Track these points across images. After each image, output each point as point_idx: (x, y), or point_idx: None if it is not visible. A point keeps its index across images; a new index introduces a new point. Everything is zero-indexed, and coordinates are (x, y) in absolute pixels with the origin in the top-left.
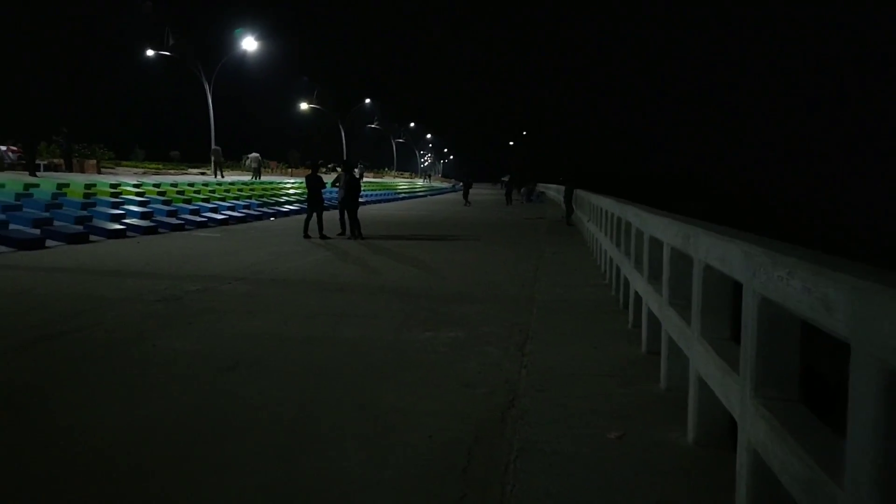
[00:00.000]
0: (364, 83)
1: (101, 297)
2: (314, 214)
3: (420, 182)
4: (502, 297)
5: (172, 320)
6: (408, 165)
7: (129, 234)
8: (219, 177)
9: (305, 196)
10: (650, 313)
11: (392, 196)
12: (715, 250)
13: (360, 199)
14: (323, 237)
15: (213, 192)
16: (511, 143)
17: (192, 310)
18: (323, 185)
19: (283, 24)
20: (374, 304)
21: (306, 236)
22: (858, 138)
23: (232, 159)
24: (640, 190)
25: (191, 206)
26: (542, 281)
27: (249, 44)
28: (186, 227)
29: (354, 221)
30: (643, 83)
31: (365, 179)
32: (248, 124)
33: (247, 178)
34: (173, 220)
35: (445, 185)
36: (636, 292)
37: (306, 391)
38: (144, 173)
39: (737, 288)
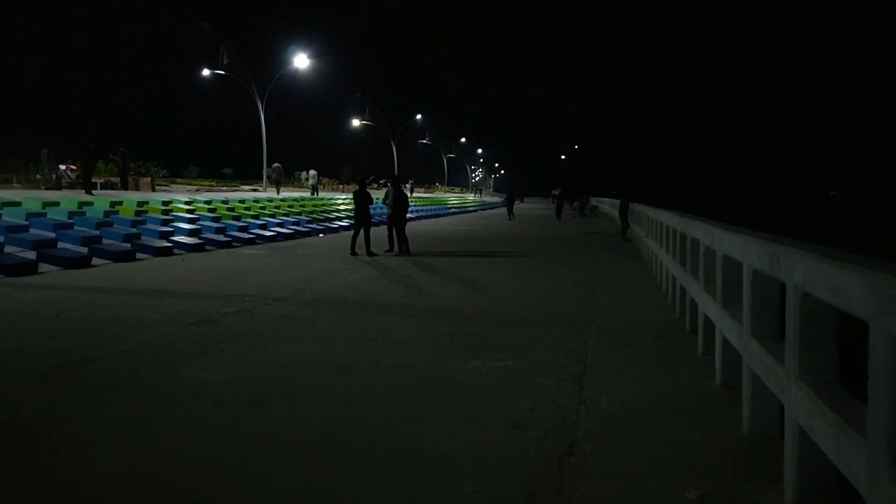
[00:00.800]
0: (415, 99)
1: (134, 320)
2: (361, 231)
3: (471, 197)
4: (556, 319)
5: (203, 346)
6: (459, 180)
7: (175, 251)
8: (280, 193)
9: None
10: (725, 342)
11: (442, 211)
12: (818, 277)
13: (410, 215)
14: (370, 254)
15: (264, 208)
16: (563, 156)
17: (226, 334)
18: (371, 200)
19: (336, 42)
20: (417, 326)
21: (353, 253)
22: None
23: (286, 177)
24: (692, 201)
25: (239, 223)
26: (598, 301)
27: (301, 61)
28: (234, 244)
29: (402, 238)
30: (695, 92)
31: (415, 195)
32: (301, 141)
33: (305, 194)
34: (221, 238)
35: (496, 199)
36: (706, 316)
37: (338, 430)
38: (197, 190)
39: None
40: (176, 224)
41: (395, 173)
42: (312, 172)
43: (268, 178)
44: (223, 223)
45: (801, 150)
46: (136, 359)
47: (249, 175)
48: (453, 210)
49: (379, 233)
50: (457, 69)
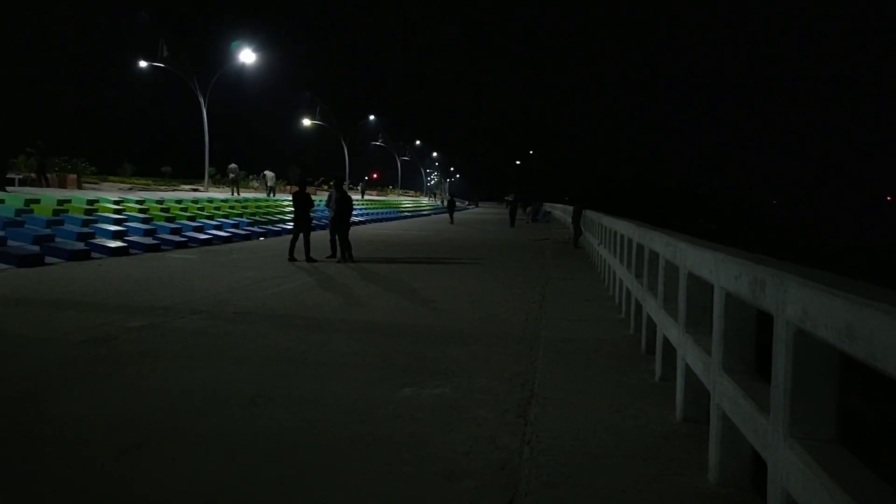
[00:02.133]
0: (369, 100)
1: (15, 338)
2: (301, 235)
3: (425, 201)
4: (502, 335)
5: (89, 371)
6: (413, 184)
7: (95, 255)
8: (235, 195)
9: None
10: (688, 370)
11: (395, 215)
12: (825, 314)
13: (359, 218)
14: (310, 260)
15: (202, 209)
16: (518, 162)
17: (121, 355)
18: (311, 203)
19: (286, 39)
20: (349, 345)
21: (291, 259)
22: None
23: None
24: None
25: (171, 225)
26: (549, 313)
27: (247, 56)
28: (163, 247)
29: (345, 243)
30: (651, 100)
31: (368, 197)
32: (248, 140)
33: (261, 195)
34: (149, 240)
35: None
36: (665, 338)
37: (225, 485)
38: (131, 189)
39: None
40: (99, 225)
41: (346, 176)
42: (270, 174)
43: (227, 178)
44: (153, 224)
45: (749, 158)
46: None
47: (191, 174)
48: (406, 214)
49: (321, 237)
50: (413, 71)
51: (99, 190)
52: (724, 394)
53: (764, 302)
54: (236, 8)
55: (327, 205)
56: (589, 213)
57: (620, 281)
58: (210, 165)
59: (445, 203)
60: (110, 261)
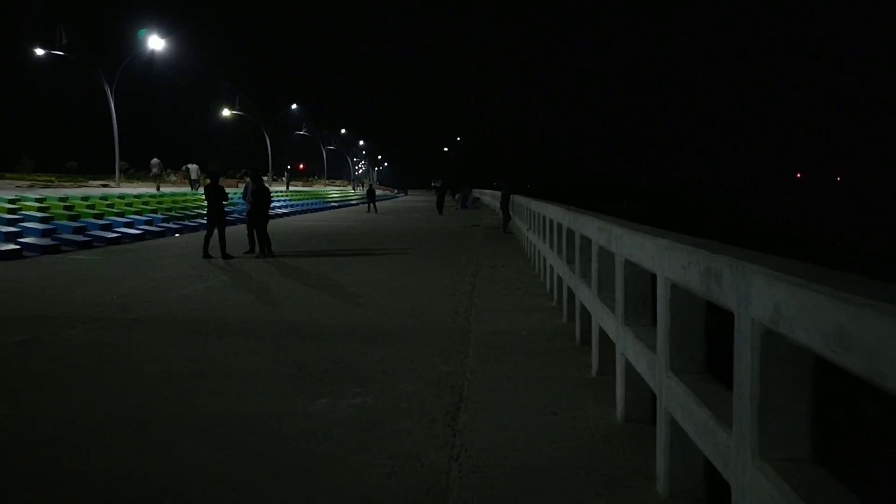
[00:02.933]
0: (291, 88)
1: None
2: (216, 231)
3: (352, 190)
4: (430, 331)
5: None
6: (340, 174)
7: None
8: (157, 190)
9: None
10: (629, 368)
11: (321, 205)
12: (805, 314)
13: (286, 210)
14: (226, 257)
15: (112, 206)
16: (446, 149)
17: None
18: (225, 196)
19: (200, 25)
20: (259, 352)
21: (206, 256)
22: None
23: (143, 170)
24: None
25: (75, 224)
26: (479, 305)
27: (156, 43)
28: (64, 248)
29: (263, 237)
30: (574, 86)
31: (293, 188)
32: (163, 131)
33: (181, 189)
34: (46, 241)
35: (379, 192)
36: (601, 329)
37: None
38: (31, 186)
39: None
40: None
41: (269, 166)
42: (193, 167)
43: (150, 173)
44: (53, 224)
45: (665, 142)
46: None
47: (100, 169)
48: (333, 204)
49: (240, 232)
50: (337, 59)
51: None
52: (674, 397)
53: (720, 296)
54: None
55: (244, 197)
56: (518, 198)
57: (551, 267)
58: (123, 160)
59: (366, 192)
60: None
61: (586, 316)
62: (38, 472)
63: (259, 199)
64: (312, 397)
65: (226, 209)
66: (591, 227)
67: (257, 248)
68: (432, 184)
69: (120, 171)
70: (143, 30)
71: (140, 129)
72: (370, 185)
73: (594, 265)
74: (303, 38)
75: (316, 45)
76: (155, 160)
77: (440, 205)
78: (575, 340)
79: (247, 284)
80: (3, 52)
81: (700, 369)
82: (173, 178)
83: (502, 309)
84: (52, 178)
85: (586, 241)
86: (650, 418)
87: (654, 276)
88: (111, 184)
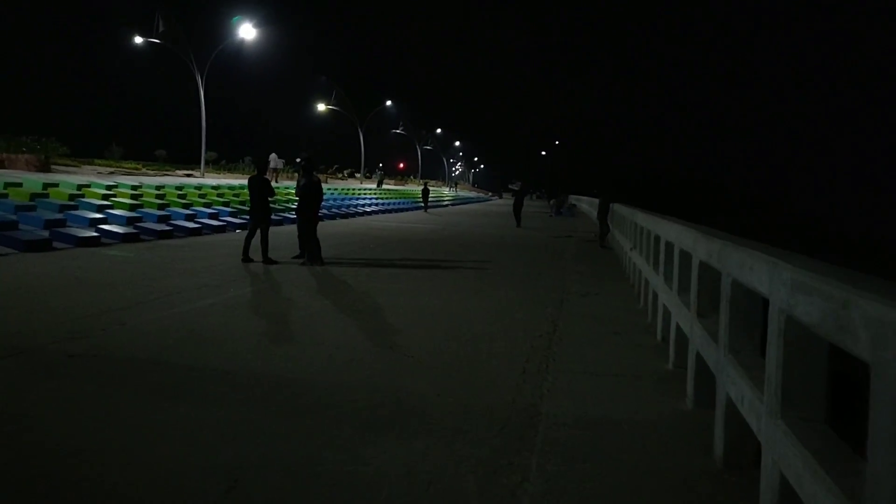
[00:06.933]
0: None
1: None
2: (259, 231)
3: (446, 191)
4: (476, 412)
5: None
6: (436, 174)
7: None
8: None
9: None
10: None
11: (408, 205)
12: None
13: (373, 208)
14: (267, 261)
15: (184, 196)
16: (543, 152)
17: None
18: (271, 191)
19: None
20: (199, 443)
21: (246, 259)
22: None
23: (233, 161)
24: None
25: (131, 214)
26: (558, 360)
27: (247, 32)
28: (104, 240)
29: (311, 241)
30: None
31: (386, 186)
32: (253, 123)
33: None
34: (89, 233)
35: (472, 194)
36: (767, 439)
37: None
38: (112, 173)
39: None
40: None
41: (361, 163)
42: (273, 156)
43: (271, 168)
44: (106, 214)
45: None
46: None
47: (188, 159)
48: (422, 204)
49: (290, 233)
50: (439, 60)
51: (71, 174)
52: None
53: None
54: None
55: (296, 193)
56: (619, 208)
57: (664, 307)
58: (211, 150)
59: (420, 191)
60: (25, 257)
61: (731, 406)
62: None
63: (308, 195)
64: None
65: (271, 205)
66: (763, 269)
67: (305, 254)
68: (509, 186)
69: (208, 162)
70: (237, 17)
71: (225, 117)
72: (425, 185)
73: (776, 347)
74: (404, 35)
75: (416, 45)
76: (273, 155)
77: (517, 212)
78: (714, 452)
79: (265, 304)
80: (100, 40)
81: None
82: (273, 164)
83: (593, 372)
84: (138, 166)
85: (740, 289)
86: None
87: None
88: (195, 173)
